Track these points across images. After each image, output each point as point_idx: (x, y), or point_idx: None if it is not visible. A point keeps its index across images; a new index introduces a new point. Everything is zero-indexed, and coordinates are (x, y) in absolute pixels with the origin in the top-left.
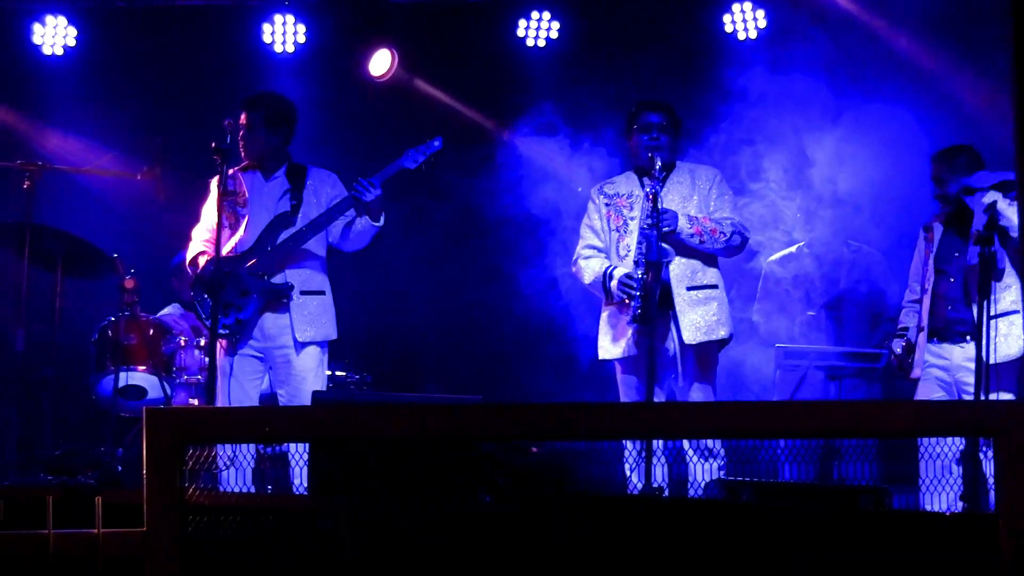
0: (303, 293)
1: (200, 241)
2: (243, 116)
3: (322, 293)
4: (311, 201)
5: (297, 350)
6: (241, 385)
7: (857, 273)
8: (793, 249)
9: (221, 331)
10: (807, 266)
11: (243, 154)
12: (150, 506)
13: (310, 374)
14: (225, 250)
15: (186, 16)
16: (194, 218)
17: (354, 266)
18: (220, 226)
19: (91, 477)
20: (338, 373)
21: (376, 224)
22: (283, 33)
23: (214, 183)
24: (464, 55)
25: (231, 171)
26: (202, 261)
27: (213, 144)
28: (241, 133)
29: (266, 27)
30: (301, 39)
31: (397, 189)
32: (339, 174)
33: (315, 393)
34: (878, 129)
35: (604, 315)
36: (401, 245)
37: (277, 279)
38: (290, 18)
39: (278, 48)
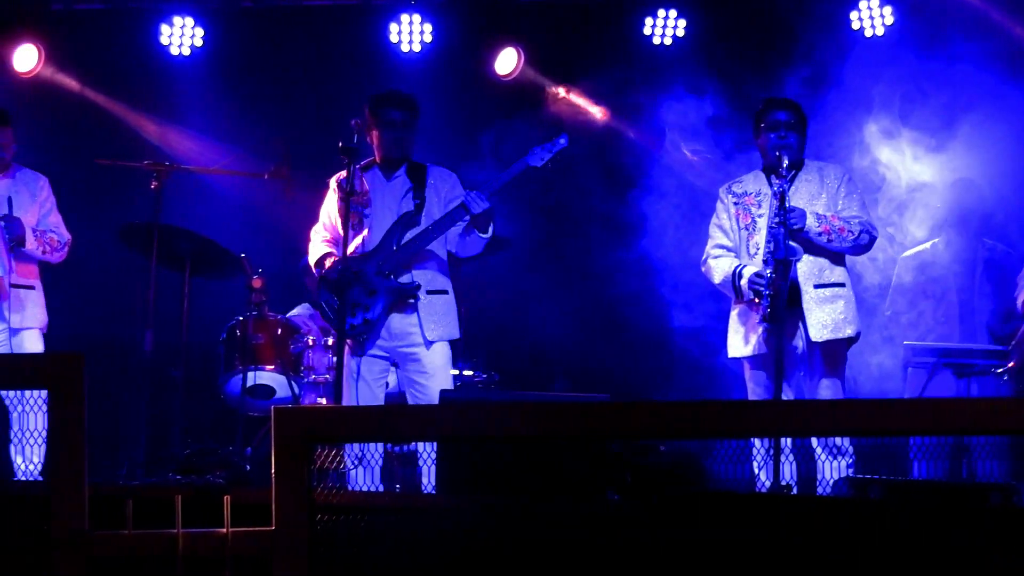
0: (429, 292)
1: (323, 242)
2: (399, 114)
3: (446, 292)
4: (433, 200)
5: (427, 348)
6: (368, 385)
7: (990, 271)
8: (927, 246)
9: (348, 331)
10: (940, 263)
11: (394, 152)
12: (278, 505)
13: (439, 372)
14: (349, 250)
15: (312, 16)
16: None
17: (481, 264)
18: (346, 226)
19: (220, 476)
20: (466, 372)
21: (484, 236)
22: (409, 32)
23: (333, 181)
24: (590, 53)
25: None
26: (328, 262)
27: (340, 144)
28: (376, 130)
29: (392, 27)
30: (428, 38)
31: (525, 186)
32: (459, 174)
33: (443, 392)
34: (1012, 125)
35: (734, 314)
36: (528, 243)
37: (403, 278)
38: (416, 17)
39: (404, 47)
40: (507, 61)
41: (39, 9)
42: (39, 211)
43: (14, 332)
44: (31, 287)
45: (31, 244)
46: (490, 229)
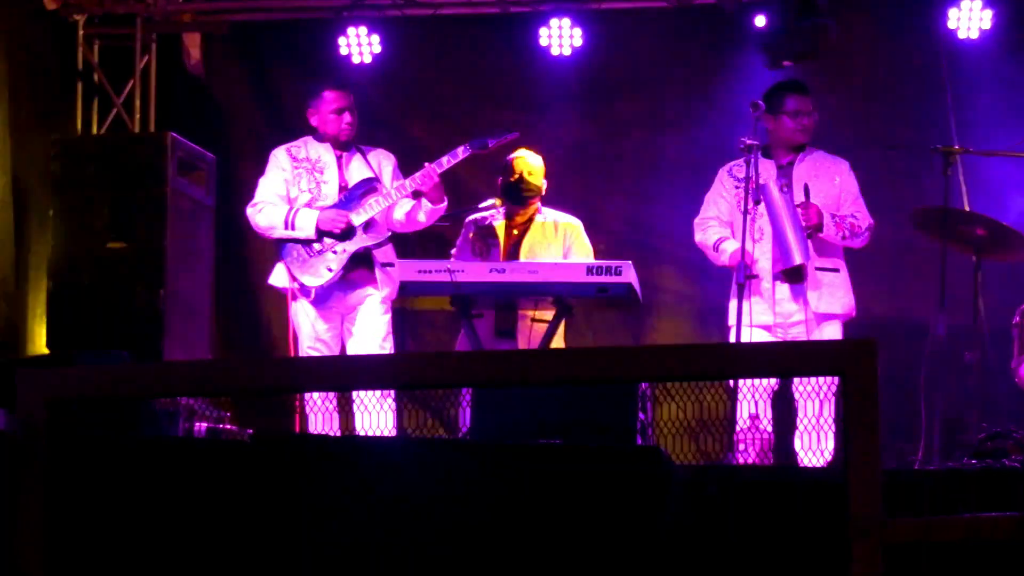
0: None
1: None
2: None
3: None
4: None
5: None
6: None
7: None
8: None
9: None
10: None
11: None
12: None
13: None
14: None
15: None
16: None
17: None
18: None
19: (1016, 460)
20: None
21: None
22: None
23: None
24: None
25: None
26: None
27: None
28: None
29: None
30: None
31: None
32: None
33: None
34: None
35: None
36: None
37: None
38: None
39: None
40: None
41: None
42: (839, 195)
43: (821, 318)
44: (835, 270)
45: (829, 230)
46: None
